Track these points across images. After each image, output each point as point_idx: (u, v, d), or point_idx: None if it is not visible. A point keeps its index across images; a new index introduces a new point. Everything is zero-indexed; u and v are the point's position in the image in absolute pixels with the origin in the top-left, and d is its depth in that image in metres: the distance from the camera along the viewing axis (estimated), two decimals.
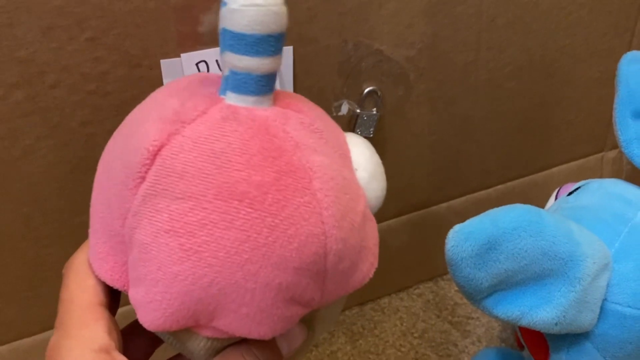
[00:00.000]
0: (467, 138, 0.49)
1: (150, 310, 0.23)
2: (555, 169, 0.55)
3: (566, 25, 0.46)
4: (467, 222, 0.28)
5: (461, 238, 0.28)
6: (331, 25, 0.38)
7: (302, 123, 0.25)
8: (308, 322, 0.27)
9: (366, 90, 0.42)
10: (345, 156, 0.27)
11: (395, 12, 0.40)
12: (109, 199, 0.24)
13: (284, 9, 0.23)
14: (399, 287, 0.55)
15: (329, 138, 0.26)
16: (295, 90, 0.40)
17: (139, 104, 0.26)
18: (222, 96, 0.24)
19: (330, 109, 0.42)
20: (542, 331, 0.30)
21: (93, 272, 0.25)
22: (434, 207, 0.52)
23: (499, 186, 0.53)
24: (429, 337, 0.50)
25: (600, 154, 0.57)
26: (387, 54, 0.41)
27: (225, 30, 0.23)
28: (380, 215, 0.50)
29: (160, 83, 0.36)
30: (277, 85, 0.38)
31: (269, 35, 0.23)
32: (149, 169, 0.23)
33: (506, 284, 0.29)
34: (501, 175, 0.53)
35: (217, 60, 0.37)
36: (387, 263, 0.53)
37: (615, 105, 0.37)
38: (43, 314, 0.43)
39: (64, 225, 0.39)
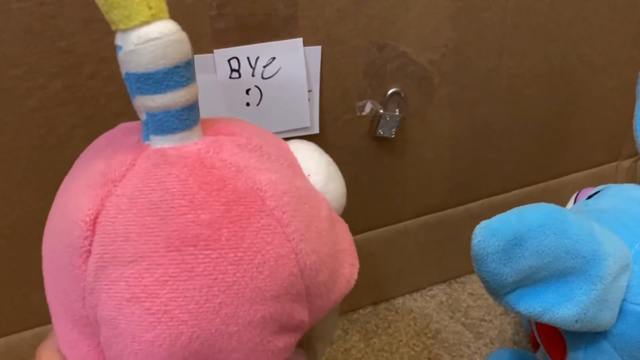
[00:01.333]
0: (486, 143, 0.50)
1: None
2: (570, 177, 0.56)
3: (587, 35, 0.47)
4: (494, 218, 0.29)
5: (488, 233, 0.28)
6: (359, 26, 0.39)
7: (238, 145, 0.23)
8: (306, 344, 0.27)
9: (390, 92, 0.43)
10: (293, 165, 0.26)
11: (421, 16, 0.41)
12: (61, 285, 0.23)
13: (183, 35, 0.22)
14: (413, 288, 0.55)
15: (270, 152, 0.24)
16: (321, 90, 0.41)
17: (64, 179, 0.25)
18: (147, 142, 0.23)
19: (354, 109, 0.43)
20: (562, 328, 0.31)
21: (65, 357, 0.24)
22: (451, 210, 0.53)
23: (515, 191, 0.54)
24: (442, 337, 0.51)
25: (615, 163, 0.58)
26: (412, 57, 0.42)
27: (128, 75, 0.22)
28: (397, 216, 0.51)
29: None
30: (305, 85, 0.40)
31: (176, 67, 0.21)
32: (92, 241, 0.21)
33: (529, 281, 0.30)
34: (517, 180, 0.54)
35: (247, 57, 0.38)
36: (402, 264, 0.54)
37: (635, 113, 0.38)
38: None
39: None
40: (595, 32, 0.47)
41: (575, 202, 0.40)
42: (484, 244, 0.28)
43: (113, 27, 0.22)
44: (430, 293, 0.55)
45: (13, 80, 0.34)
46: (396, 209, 0.51)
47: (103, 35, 0.34)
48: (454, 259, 0.56)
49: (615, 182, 0.58)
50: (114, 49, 0.35)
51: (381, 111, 0.43)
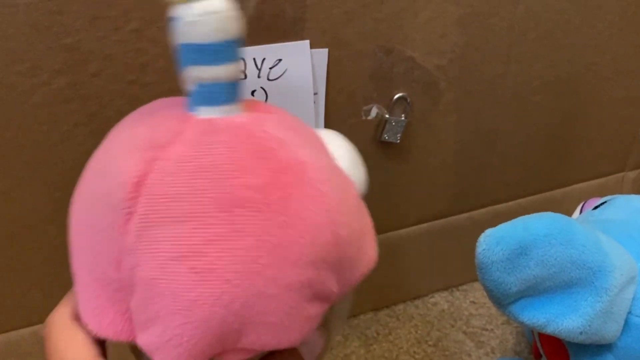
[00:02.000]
0: (491, 150, 0.49)
1: (172, 347, 0.21)
2: (575, 186, 0.56)
3: (595, 44, 0.47)
4: (499, 226, 0.29)
5: (493, 242, 0.28)
6: (366, 30, 0.39)
7: (277, 122, 0.24)
8: (324, 324, 0.27)
9: (396, 97, 0.42)
10: (323, 148, 0.26)
11: (429, 21, 0.40)
12: (95, 248, 0.23)
13: (237, 14, 0.22)
14: (415, 294, 0.55)
15: (304, 133, 0.25)
16: (327, 93, 0.40)
17: (102, 144, 0.25)
18: (193, 113, 0.23)
19: (359, 112, 0.42)
20: (566, 339, 0.30)
21: (79, 324, 0.23)
22: (454, 217, 0.52)
23: (519, 200, 0.54)
24: (443, 345, 0.50)
25: (621, 174, 0.57)
26: (418, 62, 0.42)
27: (185, 46, 0.22)
28: (400, 222, 0.51)
29: None
30: (311, 88, 0.39)
31: (231, 41, 0.22)
32: (136, 202, 0.21)
33: (534, 291, 0.29)
34: (521, 189, 0.53)
35: (254, 59, 0.37)
36: (404, 270, 0.54)
37: None
38: None
39: None
40: (603, 40, 0.47)
41: (581, 212, 0.39)
42: (488, 252, 0.28)
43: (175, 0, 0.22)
44: (432, 300, 0.55)
45: (17, 76, 0.34)
46: (399, 215, 0.51)
47: (109, 33, 0.34)
48: (456, 267, 0.55)
49: (621, 193, 0.57)
50: (119, 46, 0.35)
51: (387, 116, 0.42)
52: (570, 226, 0.28)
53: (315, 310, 0.23)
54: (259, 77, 0.38)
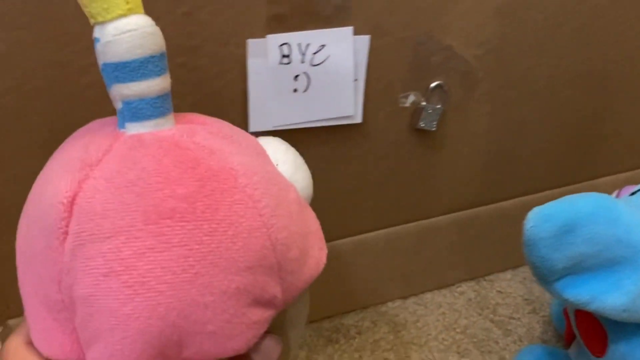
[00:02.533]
0: (521, 141, 0.50)
1: None
2: (601, 180, 0.56)
3: (628, 38, 0.48)
4: (547, 204, 0.29)
5: (541, 219, 0.29)
6: (408, 18, 0.40)
7: (210, 133, 0.25)
8: (279, 330, 0.27)
9: (433, 85, 0.43)
10: (262, 154, 0.27)
11: (468, 11, 0.41)
12: (37, 270, 0.23)
13: (157, 29, 0.23)
14: (442, 284, 0.56)
15: (240, 141, 0.26)
16: (367, 80, 0.41)
17: (41, 172, 0.26)
18: (122, 130, 0.24)
19: (397, 100, 0.43)
20: (607, 318, 0.31)
21: (35, 352, 0.24)
22: (482, 208, 0.53)
23: (546, 192, 0.55)
24: (470, 333, 0.51)
25: None
26: (456, 51, 0.42)
27: (106, 65, 0.23)
28: (429, 211, 0.52)
29: (244, 62, 0.38)
30: (352, 74, 0.40)
31: (151, 57, 0.23)
32: (69, 222, 0.22)
33: (578, 268, 0.30)
34: (549, 181, 0.54)
35: (299, 44, 0.38)
36: (432, 259, 0.55)
37: None
38: None
39: None
40: (636, 35, 0.48)
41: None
42: (536, 229, 0.29)
43: (91, 21, 0.23)
44: (459, 289, 0.55)
45: (72, 56, 0.35)
46: (428, 204, 0.51)
47: (161, 15, 0.35)
48: (483, 257, 0.56)
49: None
50: (171, 29, 0.36)
51: (423, 103, 0.43)
52: (616, 205, 0.29)
53: (258, 316, 0.23)
54: (302, 62, 0.39)
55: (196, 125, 0.25)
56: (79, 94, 0.36)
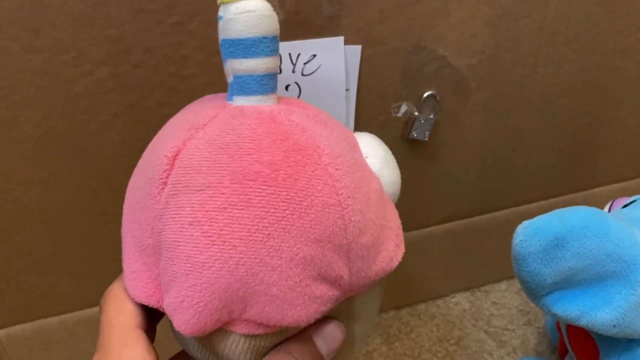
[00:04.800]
0: (516, 151, 0.50)
1: (185, 309, 0.23)
2: (597, 190, 0.56)
3: (623, 48, 0.47)
4: (536, 218, 0.29)
5: (530, 233, 0.28)
6: (400, 28, 0.40)
7: (307, 115, 0.27)
8: (345, 320, 0.27)
9: (425, 95, 0.43)
10: (353, 144, 0.28)
11: (461, 20, 0.41)
12: (136, 215, 0.25)
13: (273, 14, 0.25)
14: (436, 294, 0.55)
15: (334, 127, 0.27)
16: (359, 89, 0.41)
17: (158, 133, 0.28)
18: (230, 102, 0.27)
19: (389, 110, 0.43)
20: (597, 333, 0.31)
21: (130, 297, 0.26)
22: (477, 218, 0.53)
23: (542, 202, 0.54)
24: (464, 344, 0.50)
25: None
26: (449, 61, 0.42)
27: (224, 41, 0.26)
28: (424, 221, 0.51)
29: None
30: (343, 84, 0.40)
31: (264, 37, 0.25)
32: (169, 174, 0.24)
33: (568, 283, 0.30)
34: (545, 190, 0.54)
35: (289, 54, 0.38)
36: (427, 270, 0.54)
37: None
38: (94, 289, 0.44)
39: None
40: (631, 45, 0.48)
41: (609, 210, 0.40)
42: (525, 243, 0.28)
43: (218, 1, 0.26)
44: (453, 300, 0.55)
45: (61, 66, 0.35)
46: (423, 214, 0.51)
47: (151, 26, 0.35)
48: (478, 267, 0.56)
49: None
50: (161, 39, 0.36)
51: (416, 113, 0.43)
52: (606, 219, 0.29)
53: (321, 291, 0.24)
54: (293, 72, 0.39)
55: (295, 107, 0.27)
56: (69, 103, 0.36)
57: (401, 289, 0.54)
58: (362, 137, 0.29)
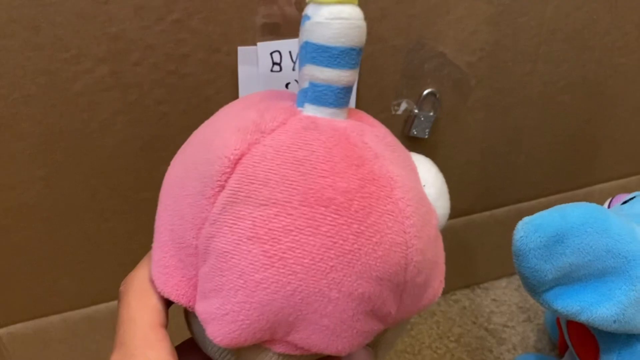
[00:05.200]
0: (516, 148, 0.50)
1: (226, 322, 0.22)
2: (596, 187, 0.56)
3: (622, 45, 0.47)
4: (537, 214, 0.29)
5: (530, 229, 0.29)
6: (400, 25, 0.40)
7: (377, 136, 0.25)
8: (374, 346, 0.27)
9: (425, 92, 0.43)
10: (414, 171, 0.27)
11: (461, 18, 0.41)
12: (181, 210, 0.24)
13: (364, 24, 0.24)
14: None
15: (400, 153, 0.26)
16: (358, 87, 0.41)
17: (210, 118, 0.26)
18: (300, 108, 0.25)
19: (389, 108, 0.43)
20: (599, 328, 0.31)
21: (155, 289, 0.24)
22: (477, 215, 0.53)
23: (541, 199, 0.54)
24: (464, 341, 0.50)
25: None
26: (449, 58, 0.42)
27: (307, 44, 0.23)
28: None
29: (235, 69, 0.38)
30: None
31: (352, 48, 0.23)
32: (229, 177, 0.22)
33: (568, 279, 0.30)
34: (544, 188, 0.54)
35: (289, 52, 0.38)
36: None
37: None
38: (95, 287, 0.44)
39: (127, 201, 0.41)
40: (630, 42, 0.48)
41: (609, 207, 0.40)
42: (526, 239, 0.28)
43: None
44: (453, 297, 0.55)
45: (61, 64, 0.34)
46: None
47: (151, 23, 0.35)
48: (478, 265, 0.56)
49: None
50: (161, 37, 0.36)
51: (416, 111, 0.43)
52: (606, 215, 0.29)
53: (370, 326, 0.23)
54: (293, 69, 0.39)
55: (366, 125, 0.25)
56: (69, 101, 0.36)
57: None
58: (420, 162, 0.28)
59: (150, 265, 0.25)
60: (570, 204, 0.30)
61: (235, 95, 0.38)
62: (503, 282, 0.57)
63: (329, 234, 0.21)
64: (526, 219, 0.29)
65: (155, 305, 0.24)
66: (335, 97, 0.24)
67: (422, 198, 0.25)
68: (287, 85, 0.39)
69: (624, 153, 0.55)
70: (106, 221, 0.41)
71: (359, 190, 0.22)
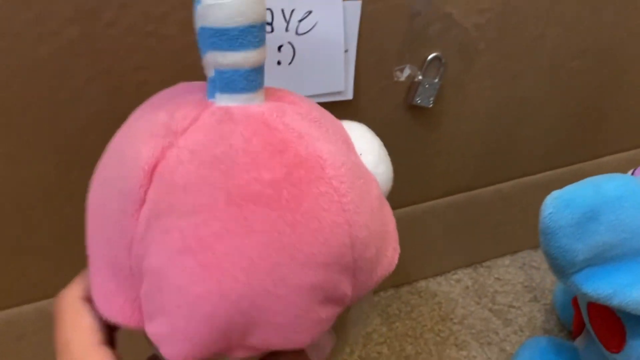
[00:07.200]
0: (523, 118, 0.47)
1: (177, 341, 0.21)
2: (604, 159, 0.54)
3: (638, 9, 0.44)
4: (567, 188, 0.26)
5: (561, 205, 0.26)
6: None
7: (299, 114, 0.24)
8: (340, 326, 0.26)
9: (430, 57, 0.40)
10: (347, 142, 0.26)
11: None
12: (107, 233, 0.22)
13: None
14: (437, 271, 0.53)
15: (328, 126, 0.25)
16: (358, 51, 0.38)
17: (121, 127, 0.25)
18: (211, 100, 0.23)
19: (391, 74, 0.40)
20: (633, 313, 0.28)
21: (87, 308, 0.23)
22: (481, 190, 0.50)
23: (548, 172, 0.52)
24: (468, 323, 0.48)
25: None
26: (456, 19, 0.39)
27: (203, 29, 0.22)
28: (424, 194, 0.48)
29: None
30: (342, 44, 0.36)
31: (251, 26, 0.21)
32: (147, 189, 0.21)
33: (600, 259, 0.27)
34: (550, 161, 0.51)
35: (282, 10, 0.34)
36: (427, 245, 0.52)
37: None
38: (70, 274, 0.40)
39: None
40: None
41: None
42: (556, 216, 0.26)
43: None
44: (455, 277, 0.53)
45: (23, 25, 0.31)
46: (424, 186, 0.48)
47: None
48: (480, 242, 0.53)
49: None
50: None
51: (419, 77, 0.40)
52: None
53: (327, 313, 0.22)
54: (286, 30, 0.35)
55: (286, 104, 0.24)
56: (35, 67, 0.32)
57: (400, 267, 0.51)
58: (353, 130, 0.27)
59: (82, 284, 0.24)
60: (603, 175, 0.27)
61: None
62: (506, 259, 0.54)
63: (263, 231, 0.20)
64: (555, 193, 0.26)
65: (89, 325, 0.23)
66: (245, 81, 0.22)
67: (357, 170, 0.24)
68: (279, 48, 0.35)
69: (634, 123, 0.52)
70: (80, 202, 0.37)
71: (287, 178, 0.21)
